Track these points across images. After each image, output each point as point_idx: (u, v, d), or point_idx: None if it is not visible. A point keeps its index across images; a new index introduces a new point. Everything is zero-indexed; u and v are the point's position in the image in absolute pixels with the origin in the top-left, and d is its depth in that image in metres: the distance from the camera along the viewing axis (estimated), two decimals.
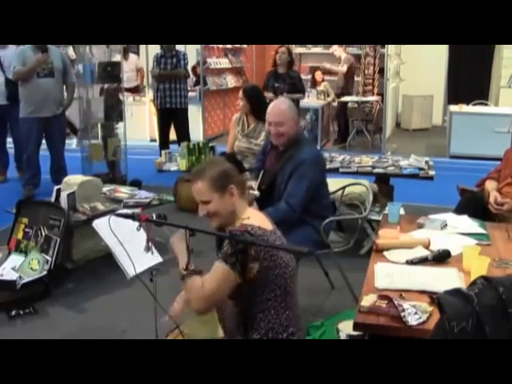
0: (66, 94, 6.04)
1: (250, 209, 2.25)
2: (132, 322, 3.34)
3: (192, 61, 8.70)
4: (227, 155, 4.57)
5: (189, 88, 7.93)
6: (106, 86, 6.04)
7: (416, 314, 1.98)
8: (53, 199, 4.07)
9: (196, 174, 2.19)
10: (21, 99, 5.69)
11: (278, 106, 3.35)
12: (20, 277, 3.63)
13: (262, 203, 3.20)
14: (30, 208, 4.07)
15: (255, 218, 2.12)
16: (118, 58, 6.40)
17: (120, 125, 6.31)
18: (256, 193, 3.25)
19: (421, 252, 2.57)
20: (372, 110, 9.56)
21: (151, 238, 2.17)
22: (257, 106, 4.48)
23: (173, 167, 5.17)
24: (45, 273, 3.69)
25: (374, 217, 4.37)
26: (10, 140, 6.65)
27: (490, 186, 3.65)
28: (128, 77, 8.39)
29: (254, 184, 3.34)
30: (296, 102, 6.62)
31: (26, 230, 3.96)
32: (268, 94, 6.22)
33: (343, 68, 9.11)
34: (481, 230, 2.93)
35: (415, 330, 1.94)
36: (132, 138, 7.19)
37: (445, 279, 2.27)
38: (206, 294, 2.01)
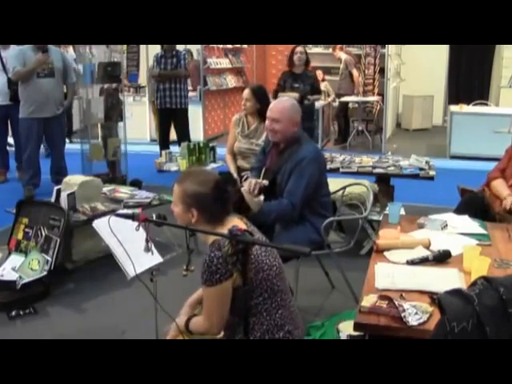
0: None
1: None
2: (132, 322, 3.34)
3: None
4: (227, 176, 4.41)
5: (189, 88, 7.91)
6: (105, 86, 6.03)
7: (416, 314, 1.98)
8: (53, 199, 4.07)
9: (182, 176, 2.22)
10: (21, 99, 5.69)
11: (281, 104, 3.36)
12: (20, 277, 3.62)
13: (265, 200, 3.23)
14: (30, 208, 4.06)
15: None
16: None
17: (120, 125, 6.31)
18: (265, 182, 3.25)
19: (421, 252, 2.57)
20: (372, 110, 9.56)
21: (150, 238, 2.17)
22: (265, 106, 4.44)
23: (173, 167, 5.16)
24: (45, 273, 3.69)
25: (375, 217, 4.37)
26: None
27: (502, 189, 3.60)
28: None
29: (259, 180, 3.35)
30: (313, 103, 6.60)
31: (26, 230, 3.96)
32: (291, 94, 6.04)
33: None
34: (481, 230, 2.93)
35: (416, 331, 1.93)
36: (132, 138, 7.18)
37: (445, 279, 2.27)
38: (213, 322, 2.09)
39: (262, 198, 3.20)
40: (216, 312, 2.08)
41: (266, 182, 3.25)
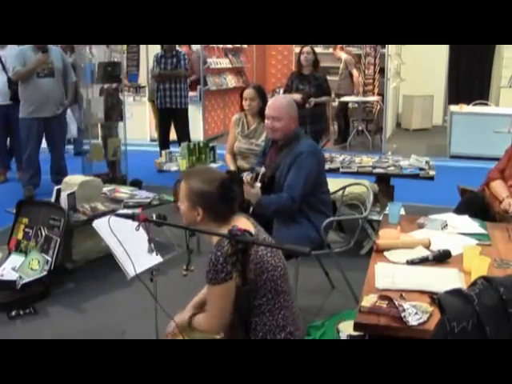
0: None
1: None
2: (132, 322, 3.34)
3: None
4: (234, 175, 4.34)
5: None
6: (105, 86, 6.03)
7: (416, 314, 1.98)
8: (53, 199, 4.07)
9: (188, 173, 2.25)
10: (21, 99, 5.69)
11: (278, 101, 3.39)
12: (20, 277, 3.62)
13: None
14: (30, 208, 4.06)
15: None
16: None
17: (120, 125, 6.31)
18: (262, 169, 3.24)
19: (421, 252, 2.57)
20: (372, 110, 9.56)
21: (151, 238, 2.17)
22: (265, 106, 4.43)
23: (173, 167, 5.16)
24: (45, 273, 3.69)
25: (375, 217, 4.37)
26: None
27: (501, 191, 3.59)
28: None
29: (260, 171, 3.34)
30: (323, 104, 6.40)
31: (26, 230, 3.96)
32: (295, 95, 5.85)
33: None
34: (481, 230, 2.93)
35: (416, 331, 1.93)
36: (132, 138, 7.19)
37: (445, 279, 2.27)
38: (215, 320, 2.10)
39: (258, 185, 3.20)
40: (219, 311, 2.07)
41: (263, 169, 3.25)
